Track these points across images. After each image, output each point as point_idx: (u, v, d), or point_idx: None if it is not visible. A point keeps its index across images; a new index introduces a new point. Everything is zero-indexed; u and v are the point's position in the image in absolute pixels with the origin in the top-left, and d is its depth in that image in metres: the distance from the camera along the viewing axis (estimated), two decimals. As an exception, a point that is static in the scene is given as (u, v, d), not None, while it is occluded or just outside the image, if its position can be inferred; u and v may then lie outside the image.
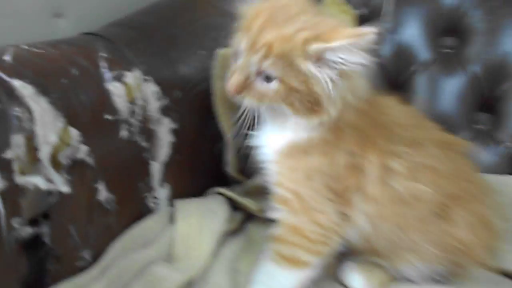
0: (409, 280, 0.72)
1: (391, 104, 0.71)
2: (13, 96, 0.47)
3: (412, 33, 1.08)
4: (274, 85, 0.60)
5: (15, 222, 0.46)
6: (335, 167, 0.63)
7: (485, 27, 1.04)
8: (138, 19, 0.79)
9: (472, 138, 1.03)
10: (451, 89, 1.05)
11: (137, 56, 0.69)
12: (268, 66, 0.58)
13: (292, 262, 0.64)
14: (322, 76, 0.58)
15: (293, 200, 0.64)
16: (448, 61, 1.06)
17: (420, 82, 1.06)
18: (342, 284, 0.72)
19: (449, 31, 1.06)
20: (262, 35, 0.58)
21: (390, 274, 0.72)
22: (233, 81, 0.61)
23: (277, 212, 0.66)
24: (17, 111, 0.46)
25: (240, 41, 0.61)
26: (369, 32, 0.54)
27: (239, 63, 0.61)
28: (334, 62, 0.57)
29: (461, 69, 1.04)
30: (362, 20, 1.09)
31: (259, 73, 0.60)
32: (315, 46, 0.56)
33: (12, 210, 0.45)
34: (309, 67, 0.58)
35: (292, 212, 0.64)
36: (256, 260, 0.71)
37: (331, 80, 0.58)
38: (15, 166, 0.45)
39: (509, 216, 0.84)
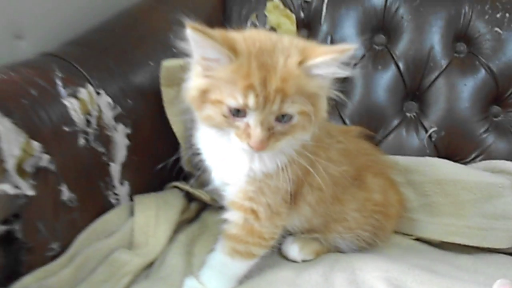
0: (340, 251, 0.86)
1: None
2: (-20, 119, 0.57)
3: (348, 32, 1.19)
4: (294, 120, 0.63)
5: (-11, 222, 0.57)
6: (299, 171, 0.72)
7: (411, 25, 1.16)
8: (91, 37, 0.89)
9: (402, 125, 1.16)
10: (383, 82, 1.17)
11: (89, 72, 0.79)
12: (289, 107, 0.61)
13: (246, 255, 0.75)
14: (323, 90, 0.65)
15: (262, 211, 0.73)
16: (380, 57, 1.18)
17: (356, 78, 1.18)
18: (282, 256, 0.85)
19: (380, 29, 1.19)
20: (268, 86, 0.59)
21: (324, 245, 0.86)
22: (257, 138, 0.61)
23: (236, 217, 0.75)
24: (-16, 131, 0.56)
25: (240, 100, 0.60)
26: (349, 48, 0.61)
27: (253, 120, 0.61)
28: (325, 76, 0.63)
29: (391, 64, 1.17)
30: (302, 23, 1.21)
31: (278, 117, 0.62)
32: (308, 63, 0.61)
33: (-15, 212, 0.56)
34: (315, 84, 0.62)
35: (256, 219, 0.73)
36: (208, 243, 0.83)
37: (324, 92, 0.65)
38: (-15, 177, 0.56)
39: (426, 193, 0.98)
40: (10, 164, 0.58)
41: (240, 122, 0.63)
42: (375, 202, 0.84)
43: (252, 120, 0.61)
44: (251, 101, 0.60)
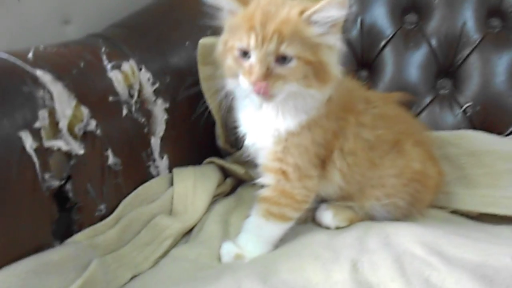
0: (375, 219, 0.87)
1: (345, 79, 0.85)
2: (37, 82, 0.63)
3: (379, 12, 1.20)
4: (293, 63, 0.68)
5: (46, 175, 0.62)
6: (326, 135, 0.76)
7: (442, 2, 1.16)
8: (133, 20, 0.95)
9: (435, 102, 1.16)
10: (415, 60, 1.17)
11: (132, 50, 0.85)
12: (286, 48, 0.67)
13: (280, 217, 0.78)
14: (325, 39, 0.69)
15: (291, 171, 0.76)
16: (411, 35, 1.18)
17: (387, 57, 1.19)
18: (317, 224, 0.86)
19: (411, 8, 1.19)
20: (268, 27, 0.66)
21: (358, 213, 0.86)
22: (256, 74, 0.66)
23: (269, 179, 0.79)
24: (41, 93, 0.62)
25: (245, 41, 0.67)
26: None
27: (254, 58, 0.67)
28: (324, 22, 0.68)
29: (423, 42, 1.17)
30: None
31: (277, 58, 0.67)
32: (308, 12, 0.68)
33: (44, 165, 0.62)
34: (314, 31, 0.68)
35: (286, 180, 0.77)
36: (244, 215, 0.86)
37: (331, 44, 0.70)
38: (43, 133, 0.61)
39: (462, 165, 0.97)
40: (63, 124, 0.64)
41: (246, 63, 0.69)
42: (414, 170, 0.83)
43: (253, 57, 0.68)
44: (252, 40, 0.67)
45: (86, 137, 0.70)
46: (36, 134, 0.61)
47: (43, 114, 0.62)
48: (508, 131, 1.09)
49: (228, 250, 0.78)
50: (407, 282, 0.62)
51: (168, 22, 0.98)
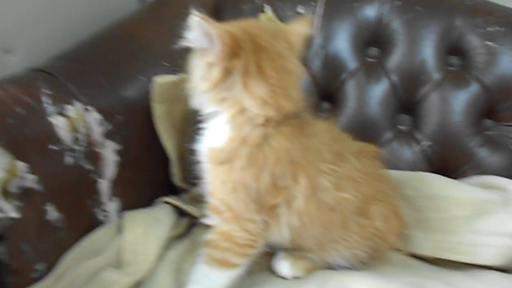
0: (332, 268, 0.85)
1: (314, 123, 0.80)
2: (-38, 141, 0.56)
3: (341, 45, 1.19)
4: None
5: (-28, 245, 0.56)
6: (259, 184, 0.70)
7: (403, 39, 1.16)
8: (81, 51, 0.88)
9: (395, 138, 1.16)
10: (376, 95, 1.17)
11: (78, 88, 0.78)
12: None
13: (223, 264, 0.73)
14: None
15: (224, 210, 0.73)
16: (373, 69, 1.18)
17: (349, 90, 1.18)
18: (273, 272, 0.83)
19: (373, 42, 1.19)
20: None
21: (317, 263, 0.83)
22: None
23: (210, 219, 0.75)
24: (-34, 154, 0.55)
25: None
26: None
27: None
28: None
29: (384, 77, 1.17)
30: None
31: None
32: None
33: (-32, 235, 0.55)
34: None
35: (223, 220, 0.73)
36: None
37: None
38: (-32, 200, 0.54)
39: (419, 208, 0.97)
40: (-6, 187, 0.57)
41: None
42: (377, 228, 0.81)
43: None
44: None
45: (22, 194, 0.63)
46: (-41, 202, 0.54)
47: (-32, 178, 0.55)
48: (464, 171, 1.10)
49: (177, 305, 0.74)
50: None
51: (121, 54, 0.92)
